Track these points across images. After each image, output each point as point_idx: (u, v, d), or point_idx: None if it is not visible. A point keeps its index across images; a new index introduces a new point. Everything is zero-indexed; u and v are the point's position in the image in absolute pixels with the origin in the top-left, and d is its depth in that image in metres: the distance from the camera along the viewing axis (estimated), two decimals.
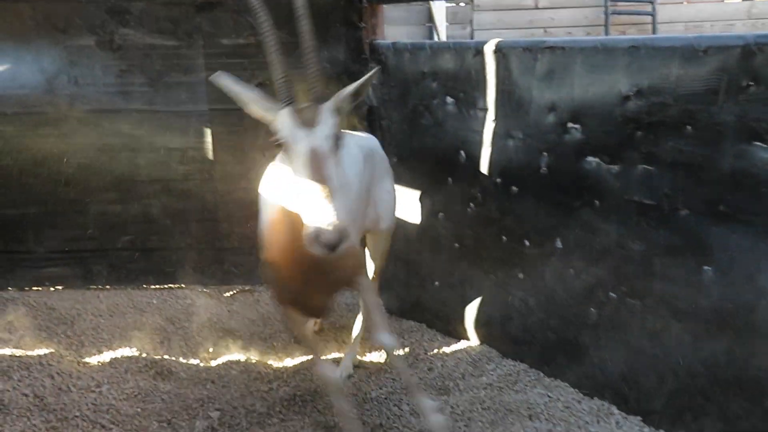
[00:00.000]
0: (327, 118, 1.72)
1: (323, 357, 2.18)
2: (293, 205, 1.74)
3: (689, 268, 2.20)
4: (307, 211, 1.59)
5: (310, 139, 1.67)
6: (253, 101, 1.82)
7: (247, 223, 3.58)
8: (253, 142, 3.58)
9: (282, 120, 1.70)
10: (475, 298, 3.07)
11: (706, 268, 2.15)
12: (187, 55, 3.52)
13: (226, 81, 1.84)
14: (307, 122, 1.69)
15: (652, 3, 6.48)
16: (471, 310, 3.09)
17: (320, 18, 3.44)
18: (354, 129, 3.57)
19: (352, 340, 2.99)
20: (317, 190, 1.59)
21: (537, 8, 6.48)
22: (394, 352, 2.30)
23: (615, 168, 2.37)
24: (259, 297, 3.72)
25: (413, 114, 3.19)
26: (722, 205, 2.07)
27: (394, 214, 2.86)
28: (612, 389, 2.51)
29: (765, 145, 1.93)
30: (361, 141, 2.65)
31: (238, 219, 3.69)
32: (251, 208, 3.61)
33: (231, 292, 3.77)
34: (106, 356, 3.06)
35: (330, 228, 1.54)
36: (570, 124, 2.49)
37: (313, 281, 2.01)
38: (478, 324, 3.07)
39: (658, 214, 2.25)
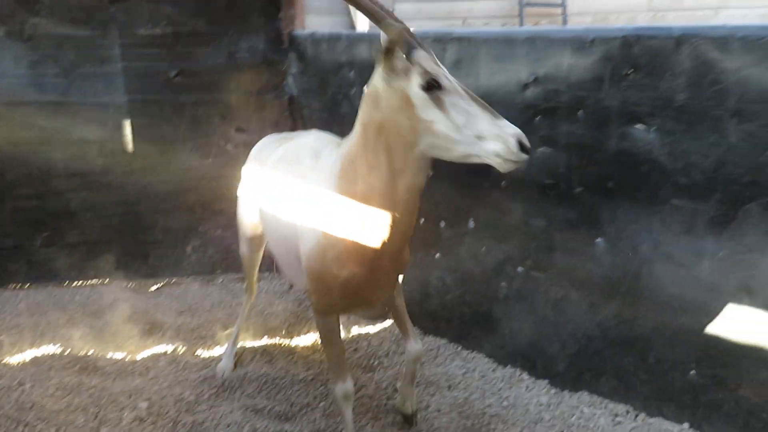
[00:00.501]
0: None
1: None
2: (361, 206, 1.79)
3: (584, 240, 2.41)
4: (489, 129, 1.57)
5: (449, 75, 1.67)
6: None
7: (171, 214, 3.58)
8: (174, 132, 3.57)
9: (426, 61, 1.65)
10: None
11: (598, 240, 2.37)
12: (103, 45, 3.45)
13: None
14: (436, 62, 1.69)
15: None
16: None
17: (239, 8, 3.49)
18: (276, 118, 3.63)
19: (234, 335, 2.97)
20: (487, 109, 1.60)
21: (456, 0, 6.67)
22: (417, 359, 2.31)
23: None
24: (186, 288, 3.72)
25: (332, 103, 3.29)
26: (610, 182, 2.29)
27: None
28: (522, 356, 2.72)
29: (644, 127, 2.15)
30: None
31: (161, 211, 3.67)
32: (174, 199, 3.64)
33: (157, 286, 3.75)
34: (29, 355, 3.01)
35: (521, 133, 1.56)
36: None
37: (382, 277, 1.97)
38: None
39: (556, 193, 2.46)
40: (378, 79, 1.71)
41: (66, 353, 3.01)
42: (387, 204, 1.77)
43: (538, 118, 2.45)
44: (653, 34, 2.09)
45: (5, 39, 3.39)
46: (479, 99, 1.63)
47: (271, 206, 2.32)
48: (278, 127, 3.58)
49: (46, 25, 3.40)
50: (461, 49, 2.66)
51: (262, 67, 3.56)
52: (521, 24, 6.62)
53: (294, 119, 3.61)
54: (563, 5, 6.88)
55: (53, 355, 2.99)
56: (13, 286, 3.70)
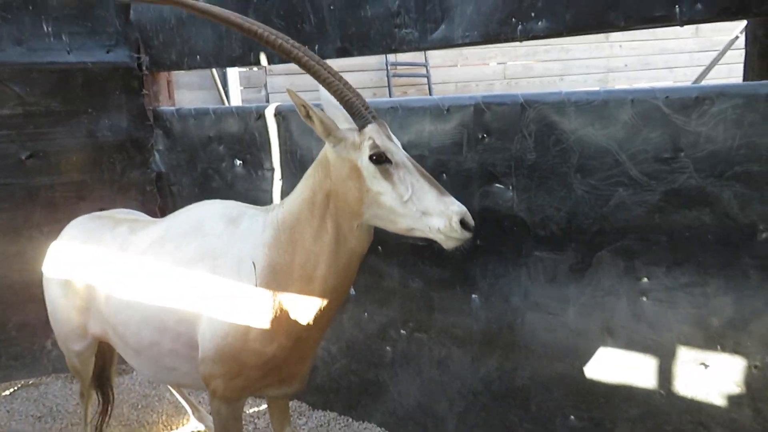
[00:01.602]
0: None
1: None
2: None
3: (460, 298, 2.48)
4: (434, 206, 1.61)
5: (400, 149, 1.71)
6: (330, 118, 1.73)
7: (25, 307, 3.25)
8: (28, 219, 3.29)
9: (375, 134, 1.67)
10: None
11: (473, 296, 2.45)
12: None
13: (299, 98, 1.68)
14: (389, 135, 1.71)
15: (426, 67, 7.29)
16: None
17: (98, 86, 3.36)
18: (143, 195, 3.47)
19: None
20: (434, 186, 1.64)
21: None
22: None
23: None
24: (46, 389, 3.34)
25: (203, 177, 3.21)
26: (479, 240, 2.39)
27: None
28: (412, 420, 2.69)
29: (501, 186, 2.29)
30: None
31: (14, 305, 3.32)
32: (29, 290, 3.31)
33: (11, 390, 3.34)
34: None
35: (466, 210, 1.60)
36: None
37: (308, 348, 1.93)
38: None
39: (430, 253, 2.52)
40: (328, 147, 1.74)
41: None
42: (329, 271, 1.76)
43: None
44: (501, 101, 2.26)
45: None
46: (428, 175, 1.67)
47: (132, 293, 2.07)
48: (145, 206, 3.42)
49: None
50: None
51: (125, 144, 3.42)
52: (390, 94, 6.97)
53: (162, 196, 3.47)
54: (428, 75, 7.35)
55: None
56: None
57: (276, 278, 1.81)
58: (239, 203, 2.10)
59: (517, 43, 2.29)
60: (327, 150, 1.75)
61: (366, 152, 1.67)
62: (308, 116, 1.70)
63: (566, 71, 7.76)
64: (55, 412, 3.13)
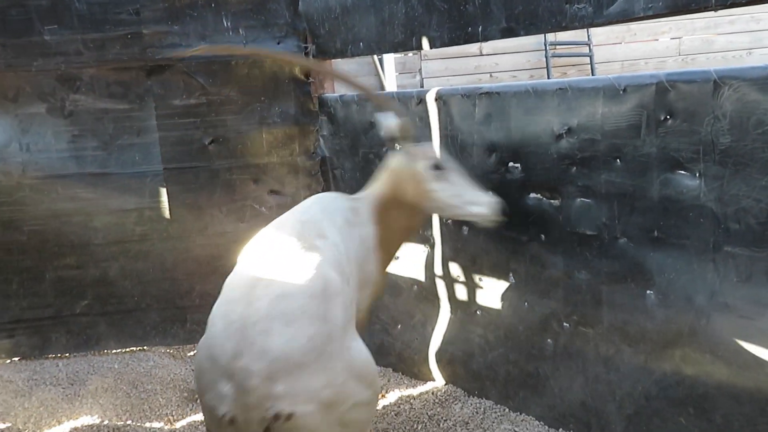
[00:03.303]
0: None
1: None
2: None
3: (633, 293, 2.29)
4: (479, 198, 2.39)
5: (447, 157, 2.57)
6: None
7: (207, 278, 3.58)
8: (209, 197, 3.62)
9: (431, 149, 2.57)
10: (437, 338, 3.11)
11: (648, 292, 2.25)
12: (140, 117, 3.57)
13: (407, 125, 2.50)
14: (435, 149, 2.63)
15: (588, 45, 6.84)
16: (434, 351, 3.13)
17: (268, 76, 3.58)
18: (309, 178, 3.66)
19: None
20: (476, 185, 2.42)
21: (482, 55, 6.78)
22: None
23: (556, 202, 2.48)
24: None
25: (364, 162, 3.29)
26: (656, 232, 2.19)
27: None
28: (574, 418, 2.56)
29: (686, 173, 2.07)
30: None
31: (198, 276, 3.69)
32: (211, 264, 3.66)
33: (194, 351, 3.71)
34: (66, 426, 2.98)
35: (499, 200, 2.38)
36: (511, 164, 2.61)
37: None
38: (442, 364, 3.11)
39: (599, 244, 2.36)
40: (398, 159, 2.49)
41: (104, 424, 2.98)
42: (398, 239, 2.57)
43: (573, 169, 2.39)
44: (690, 78, 2.03)
45: (46, 115, 3.54)
46: (469, 177, 2.46)
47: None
48: (311, 188, 3.61)
49: (86, 101, 3.54)
50: (491, 103, 2.65)
51: (293, 130, 3.62)
52: (549, 75, 6.65)
53: (326, 180, 3.63)
54: (590, 54, 6.90)
55: (91, 426, 2.96)
56: (53, 355, 3.73)
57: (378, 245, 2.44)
58: (345, 195, 2.64)
59: (695, 15, 2.04)
60: (397, 160, 2.48)
61: (426, 163, 2.42)
62: (403, 137, 2.48)
63: (756, 44, 6.85)
64: None
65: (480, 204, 2.35)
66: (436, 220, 3.00)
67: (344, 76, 2.64)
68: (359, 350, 1.85)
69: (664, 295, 2.21)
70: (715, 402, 2.11)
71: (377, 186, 2.51)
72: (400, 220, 2.46)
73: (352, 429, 1.77)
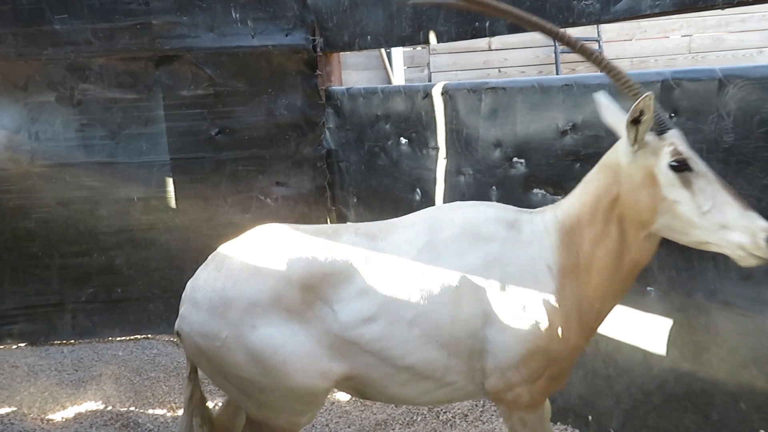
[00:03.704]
0: None
1: None
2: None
3: (634, 289, 2.28)
4: (737, 220, 1.53)
5: (698, 158, 1.62)
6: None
7: None
8: (215, 188, 3.65)
9: (677, 141, 1.63)
10: None
11: (649, 288, 2.26)
12: (147, 107, 3.60)
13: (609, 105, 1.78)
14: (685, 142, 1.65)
15: (598, 41, 6.81)
16: None
17: (276, 68, 3.60)
18: (314, 170, 3.68)
19: None
20: (738, 199, 1.55)
21: (490, 50, 6.76)
22: None
23: (559, 198, 2.48)
24: None
25: (370, 155, 3.31)
26: None
27: None
28: (572, 412, 2.58)
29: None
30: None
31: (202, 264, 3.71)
32: None
33: None
34: (71, 411, 3.02)
35: None
36: (515, 159, 2.62)
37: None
38: None
39: None
40: (621, 151, 1.67)
41: (107, 409, 3.02)
42: (609, 277, 1.73)
43: (577, 165, 2.40)
44: (695, 77, 2.03)
45: (56, 104, 3.57)
46: (730, 187, 1.57)
47: (410, 307, 1.80)
48: (315, 181, 3.63)
49: (95, 91, 3.57)
50: (497, 98, 2.65)
51: (300, 122, 3.64)
52: (557, 71, 6.64)
53: (331, 172, 3.65)
54: (600, 51, 6.87)
55: (95, 412, 3.00)
56: (59, 342, 3.78)
57: (565, 280, 1.77)
58: (503, 205, 1.99)
59: (706, 13, 2.03)
60: (619, 154, 1.68)
61: (666, 159, 1.60)
62: (637, 121, 1.59)
63: (767, 42, 6.79)
64: None
65: (742, 230, 1.52)
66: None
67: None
68: (269, 336, 1.79)
69: (664, 292, 2.22)
70: (712, 398, 2.12)
71: (576, 194, 1.80)
72: (615, 247, 1.70)
73: (234, 388, 1.92)
